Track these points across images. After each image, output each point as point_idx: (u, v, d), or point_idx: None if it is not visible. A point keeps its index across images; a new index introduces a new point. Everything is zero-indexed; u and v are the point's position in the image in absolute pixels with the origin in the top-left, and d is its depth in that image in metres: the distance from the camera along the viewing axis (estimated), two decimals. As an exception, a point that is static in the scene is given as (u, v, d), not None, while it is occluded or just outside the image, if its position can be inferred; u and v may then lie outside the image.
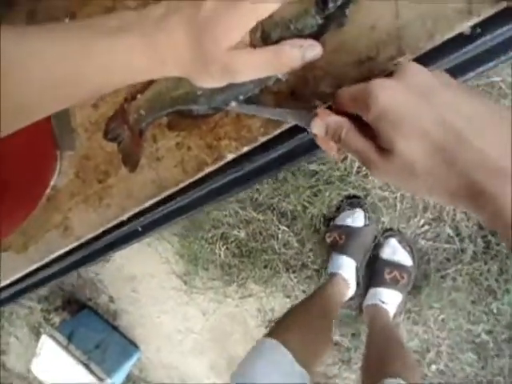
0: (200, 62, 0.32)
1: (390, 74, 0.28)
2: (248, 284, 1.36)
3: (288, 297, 1.32)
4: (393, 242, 1.12)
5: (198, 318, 1.49)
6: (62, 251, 0.53)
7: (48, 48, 0.30)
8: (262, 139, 0.37)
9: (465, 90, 0.26)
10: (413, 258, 1.11)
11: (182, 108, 0.39)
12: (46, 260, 0.55)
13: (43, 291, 1.79)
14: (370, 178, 1.11)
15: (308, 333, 0.84)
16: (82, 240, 0.51)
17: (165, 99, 0.40)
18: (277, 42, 0.31)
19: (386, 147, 0.26)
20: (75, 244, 0.52)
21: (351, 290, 1.12)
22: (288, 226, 1.23)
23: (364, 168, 1.10)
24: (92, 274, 1.68)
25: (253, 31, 0.31)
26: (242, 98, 0.36)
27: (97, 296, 1.71)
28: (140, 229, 0.53)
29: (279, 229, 1.25)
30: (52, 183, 0.51)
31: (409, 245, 1.11)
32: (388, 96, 0.25)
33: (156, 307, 1.58)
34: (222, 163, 0.40)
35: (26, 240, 0.55)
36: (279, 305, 1.34)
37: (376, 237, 1.14)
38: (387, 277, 1.12)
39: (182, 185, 0.43)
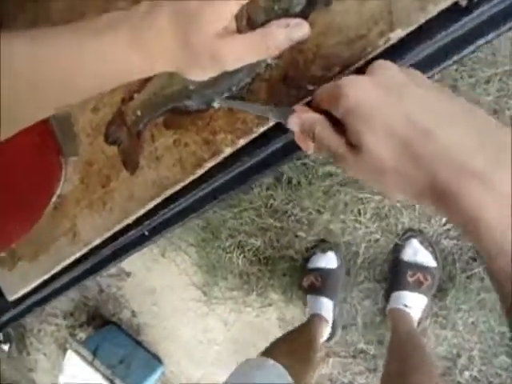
0: (188, 53, 0.31)
1: (362, 72, 0.28)
2: (267, 293, 1.34)
3: (309, 304, 1.29)
4: (414, 242, 1.08)
5: (219, 329, 1.47)
6: (72, 258, 0.53)
7: (40, 51, 0.30)
8: (258, 130, 0.37)
9: (434, 87, 0.25)
10: (436, 258, 1.07)
11: (177, 105, 0.39)
12: (58, 268, 0.55)
13: (68, 307, 1.82)
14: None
15: (295, 357, 0.89)
16: (91, 246, 0.51)
17: (159, 98, 0.40)
18: (263, 25, 0.30)
19: (355, 143, 0.25)
20: (84, 250, 0.52)
21: (328, 329, 1.16)
22: (305, 232, 1.21)
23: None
24: (114, 289, 1.70)
25: (238, 19, 0.31)
26: (234, 88, 0.36)
27: (120, 311, 1.72)
28: (147, 233, 0.53)
29: (296, 235, 1.23)
30: (58, 191, 0.51)
31: (431, 245, 1.07)
32: (358, 91, 0.25)
33: (177, 320, 1.58)
34: (219, 158, 0.40)
35: (36, 249, 0.56)
36: (300, 313, 1.31)
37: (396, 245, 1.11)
38: (410, 279, 1.08)
39: (181, 184, 0.42)
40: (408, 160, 0.23)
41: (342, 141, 0.27)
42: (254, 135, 0.38)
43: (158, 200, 0.45)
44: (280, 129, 0.38)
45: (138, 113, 0.43)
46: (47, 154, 0.49)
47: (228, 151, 0.39)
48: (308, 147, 0.31)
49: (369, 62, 0.33)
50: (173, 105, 0.40)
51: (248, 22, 0.31)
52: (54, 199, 0.52)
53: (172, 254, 1.49)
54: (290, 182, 1.18)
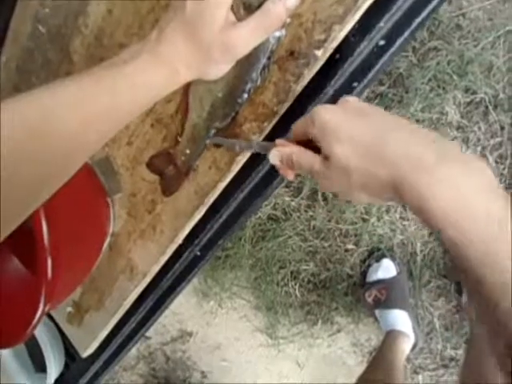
0: (201, 52, 0.35)
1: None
2: (333, 318, 1.28)
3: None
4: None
5: (294, 371, 1.40)
6: (134, 294, 0.55)
7: (78, 93, 0.33)
8: (279, 109, 0.38)
9: (383, 112, 0.31)
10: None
11: (219, 126, 0.42)
12: (123, 309, 0.57)
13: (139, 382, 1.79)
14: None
15: None
16: (149, 276, 0.53)
17: (201, 127, 0.43)
18: (260, 7, 0.33)
19: (327, 154, 0.30)
20: (144, 282, 0.53)
21: (411, 341, 1.09)
22: (354, 244, 1.18)
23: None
24: (180, 353, 1.67)
25: (236, 9, 0.34)
26: (255, 75, 0.38)
27: (189, 375, 1.68)
28: (199, 253, 0.54)
29: (347, 250, 1.20)
30: (110, 231, 0.54)
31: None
32: (327, 113, 0.31)
33: (249, 371, 1.52)
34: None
35: (100, 295, 0.58)
36: (373, 332, 1.24)
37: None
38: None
39: (220, 184, 0.44)
40: (370, 159, 0.28)
41: (316, 157, 0.32)
42: (276, 117, 0.39)
43: (203, 209, 0.46)
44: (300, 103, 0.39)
45: (187, 151, 0.45)
46: (94, 198, 0.53)
47: (256, 138, 0.41)
48: (287, 174, 0.36)
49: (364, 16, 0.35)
50: (214, 126, 0.42)
51: (244, 7, 0.34)
52: (107, 240, 0.54)
53: (229, 303, 1.47)
54: (325, 198, 1.18)
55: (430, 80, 0.93)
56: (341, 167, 0.29)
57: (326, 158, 0.31)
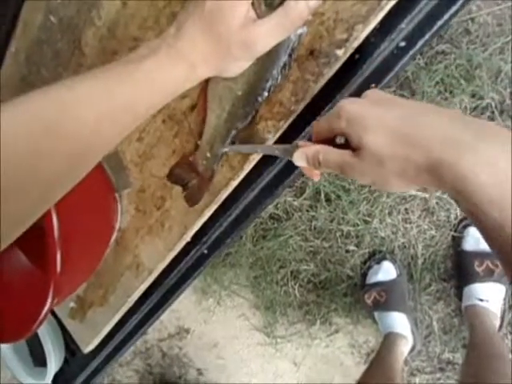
0: (220, 49, 0.34)
1: None
2: (331, 318, 1.28)
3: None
4: (472, 230, 1.03)
5: (290, 371, 1.40)
6: (139, 291, 0.54)
7: (95, 89, 0.32)
8: (296, 108, 0.38)
9: (409, 100, 0.31)
10: (501, 241, 1.01)
11: (240, 126, 0.41)
12: (127, 306, 0.56)
13: (133, 380, 1.79)
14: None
15: None
16: (155, 273, 0.52)
17: (222, 127, 0.41)
18: (281, 4, 0.33)
19: (357, 146, 0.29)
20: (149, 279, 0.53)
21: (409, 343, 1.09)
22: (355, 245, 1.18)
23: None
24: (176, 350, 1.67)
25: (257, 6, 0.34)
26: (279, 70, 0.37)
27: (185, 372, 1.68)
28: (206, 251, 0.54)
29: (348, 251, 1.20)
30: (117, 226, 0.53)
31: (492, 228, 1.02)
32: (355, 105, 0.30)
33: (244, 370, 1.52)
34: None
35: (104, 291, 0.57)
36: (372, 334, 1.24)
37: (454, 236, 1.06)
38: (479, 269, 1.01)
39: (233, 183, 0.44)
40: (403, 145, 0.27)
41: (344, 152, 0.31)
42: (293, 116, 0.39)
43: (214, 206, 0.46)
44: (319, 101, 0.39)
45: (208, 155, 0.43)
46: (103, 193, 0.52)
47: (271, 138, 0.40)
48: (314, 175, 0.35)
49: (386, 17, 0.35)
50: (235, 125, 0.41)
51: (266, 4, 0.33)
52: (114, 235, 0.54)
53: (227, 301, 1.47)
54: (328, 198, 1.18)
55: (437, 83, 0.93)
56: (373, 157, 0.28)
57: (356, 151, 0.30)
